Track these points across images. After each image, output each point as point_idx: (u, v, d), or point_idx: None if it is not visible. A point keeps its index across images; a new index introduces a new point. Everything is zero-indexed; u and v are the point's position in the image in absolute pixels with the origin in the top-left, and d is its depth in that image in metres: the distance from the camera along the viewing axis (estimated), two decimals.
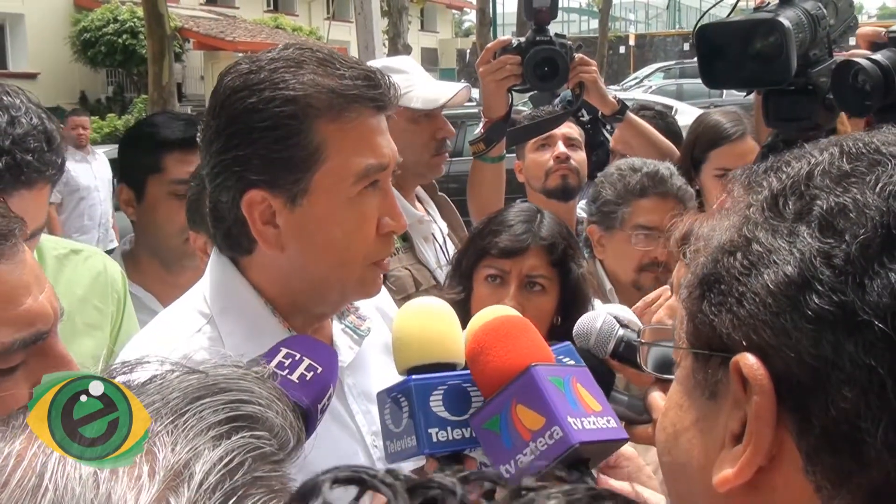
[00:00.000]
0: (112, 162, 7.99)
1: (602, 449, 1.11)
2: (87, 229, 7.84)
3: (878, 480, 0.64)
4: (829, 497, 0.66)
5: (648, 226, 2.51)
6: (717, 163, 3.02)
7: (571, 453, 1.01)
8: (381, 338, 1.59)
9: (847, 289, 0.64)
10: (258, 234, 1.36)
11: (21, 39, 25.89)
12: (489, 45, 2.72)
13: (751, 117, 3.12)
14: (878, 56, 1.68)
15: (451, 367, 1.15)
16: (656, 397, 1.34)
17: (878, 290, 0.63)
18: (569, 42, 2.69)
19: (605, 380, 1.34)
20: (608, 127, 3.62)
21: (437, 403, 1.11)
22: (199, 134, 1.41)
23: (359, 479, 0.41)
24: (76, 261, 2.00)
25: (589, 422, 1.05)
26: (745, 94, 2.50)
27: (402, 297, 2.27)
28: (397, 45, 15.97)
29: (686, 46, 40.26)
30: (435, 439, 1.10)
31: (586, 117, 3.59)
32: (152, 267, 2.43)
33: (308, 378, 1.11)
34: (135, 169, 2.44)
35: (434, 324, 1.18)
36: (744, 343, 0.68)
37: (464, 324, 1.20)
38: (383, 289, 1.56)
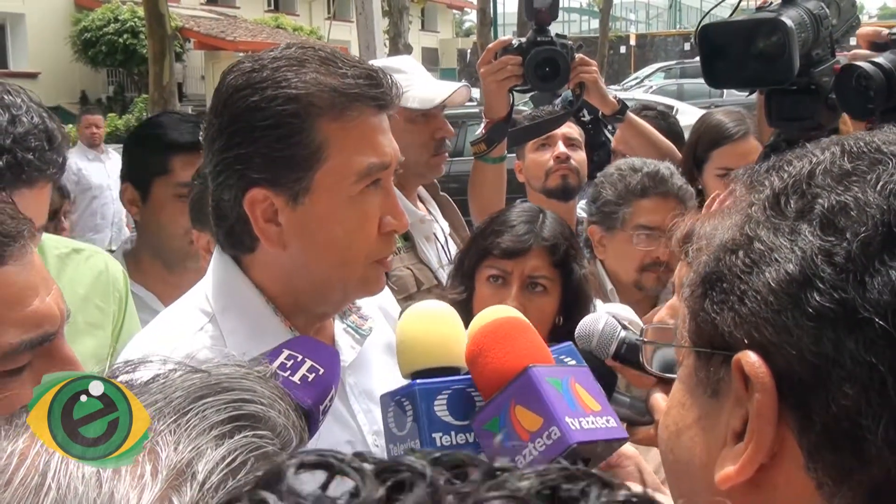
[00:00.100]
0: None
1: (602, 449, 1.11)
2: (100, 228, 7.83)
3: (878, 477, 0.64)
4: (831, 494, 0.66)
5: (649, 226, 2.51)
6: (720, 162, 3.02)
7: (570, 453, 1.01)
8: (383, 337, 1.59)
9: (848, 286, 0.64)
10: (260, 232, 1.36)
11: (22, 39, 25.90)
12: (490, 45, 2.72)
13: (754, 117, 3.12)
14: (880, 59, 1.68)
15: (455, 371, 1.16)
16: (658, 398, 1.34)
17: (878, 288, 0.63)
18: (570, 42, 2.69)
19: (606, 381, 1.34)
20: (609, 127, 3.62)
21: (441, 408, 1.11)
22: (201, 133, 1.41)
23: (325, 464, 0.40)
24: (78, 260, 2.00)
25: (588, 421, 1.06)
26: (747, 93, 2.50)
27: (403, 296, 2.27)
28: (398, 45, 15.96)
29: (687, 46, 40.27)
30: (439, 443, 1.10)
31: (587, 117, 3.59)
32: (154, 267, 2.42)
33: (310, 379, 1.11)
34: (140, 169, 2.42)
35: (438, 328, 1.19)
36: (745, 341, 0.68)
37: (466, 323, 1.20)
38: (386, 288, 1.56)
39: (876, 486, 0.64)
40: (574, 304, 2.08)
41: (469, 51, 40.80)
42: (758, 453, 0.68)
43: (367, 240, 1.38)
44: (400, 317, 1.30)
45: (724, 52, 1.69)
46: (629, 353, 1.47)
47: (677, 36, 44.48)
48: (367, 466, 0.39)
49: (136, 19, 23.74)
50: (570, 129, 3.05)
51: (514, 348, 1.10)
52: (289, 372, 1.11)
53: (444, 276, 2.46)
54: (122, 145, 2.86)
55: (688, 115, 7.87)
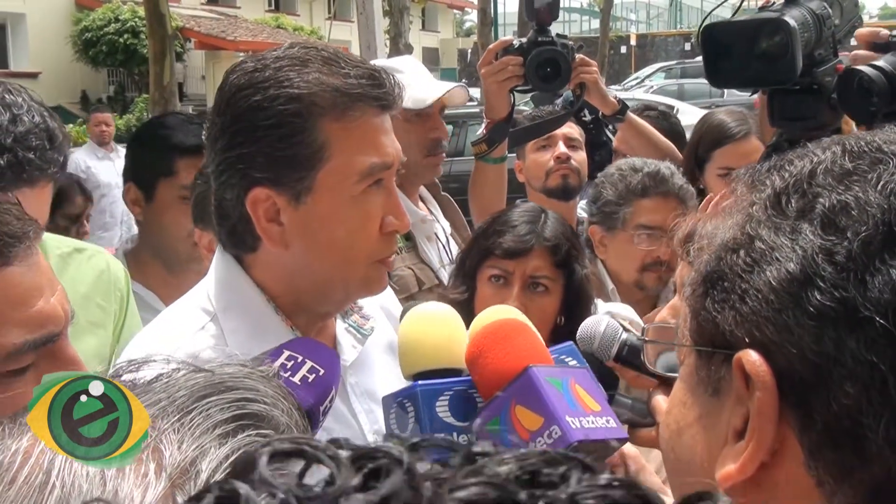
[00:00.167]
0: None
1: (602, 448, 1.11)
2: (108, 226, 7.81)
3: (879, 476, 0.64)
4: (831, 492, 0.66)
5: (650, 225, 2.51)
6: (721, 162, 3.02)
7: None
8: (384, 337, 1.59)
9: (849, 285, 0.64)
10: (262, 231, 1.36)
11: (22, 39, 25.91)
12: (491, 46, 2.71)
13: (755, 117, 3.12)
14: (881, 63, 1.68)
15: (456, 372, 1.16)
16: (659, 400, 1.34)
17: (879, 287, 0.63)
18: (570, 42, 2.69)
19: (608, 383, 1.35)
20: (611, 127, 3.62)
21: (442, 409, 1.11)
22: (204, 132, 1.41)
23: (300, 452, 0.39)
24: (79, 259, 2.00)
25: (588, 421, 1.06)
26: (749, 93, 2.49)
27: (404, 296, 2.27)
28: (398, 45, 15.96)
29: (687, 46, 40.27)
30: None
31: (588, 117, 3.59)
32: (155, 268, 2.42)
33: (310, 380, 1.12)
34: (145, 169, 2.41)
35: (440, 329, 1.19)
36: (746, 340, 0.68)
37: (467, 323, 1.21)
38: (388, 288, 1.57)
39: (877, 485, 0.65)
40: (575, 304, 2.08)
41: (469, 51, 40.81)
42: (759, 451, 0.68)
43: (368, 240, 1.38)
44: (401, 318, 1.31)
45: (726, 52, 1.69)
46: (630, 355, 1.47)
47: (678, 36, 44.49)
48: (343, 453, 0.38)
49: (136, 19, 23.75)
50: (571, 129, 3.05)
51: (513, 349, 1.11)
52: (289, 373, 1.11)
53: (445, 275, 2.46)
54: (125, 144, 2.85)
55: (688, 115, 7.88)
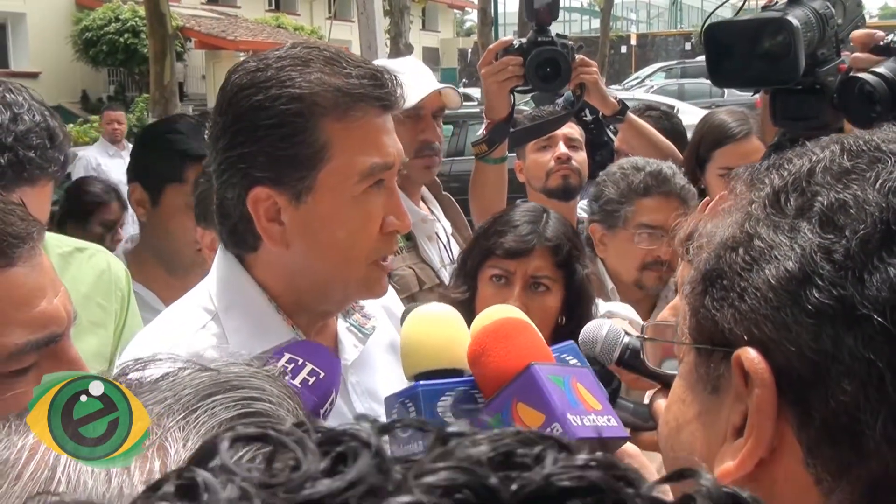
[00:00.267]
0: None
1: (603, 447, 1.11)
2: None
3: (877, 472, 0.65)
4: (829, 489, 0.67)
5: (652, 225, 2.51)
6: (722, 162, 3.02)
7: None
8: (386, 336, 1.59)
9: (847, 283, 0.64)
10: (263, 230, 1.36)
11: (23, 38, 25.91)
12: (491, 46, 2.71)
13: (756, 116, 3.12)
14: (882, 69, 1.68)
15: (458, 373, 1.16)
16: (661, 404, 1.34)
17: (877, 285, 0.64)
18: (570, 42, 2.69)
19: (610, 386, 1.35)
20: (612, 127, 3.61)
21: (444, 409, 1.11)
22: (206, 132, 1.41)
23: (263, 436, 0.38)
24: (80, 259, 2.00)
25: (589, 419, 1.07)
26: (752, 93, 2.49)
27: (405, 295, 2.27)
28: (399, 45, 15.96)
29: (688, 46, 40.30)
30: None
31: (589, 117, 3.59)
32: (156, 269, 2.41)
33: (310, 383, 1.12)
34: (153, 172, 2.37)
35: (442, 330, 1.20)
36: (745, 337, 0.69)
37: (468, 322, 1.21)
38: (389, 287, 1.57)
39: (874, 481, 0.65)
40: (577, 303, 2.08)
41: (470, 50, 40.83)
42: (757, 448, 0.68)
43: (369, 240, 1.38)
44: (403, 319, 1.31)
45: (729, 52, 1.69)
46: (632, 359, 1.47)
47: (678, 36, 44.52)
48: (310, 437, 0.37)
49: (136, 19, 23.74)
50: (571, 129, 3.05)
51: (515, 347, 1.11)
52: (289, 375, 1.12)
53: (446, 275, 2.46)
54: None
55: (689, 115, 7.87)
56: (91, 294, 1.98)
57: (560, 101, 3.45)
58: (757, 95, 2.78)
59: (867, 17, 1.97)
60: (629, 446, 1.36)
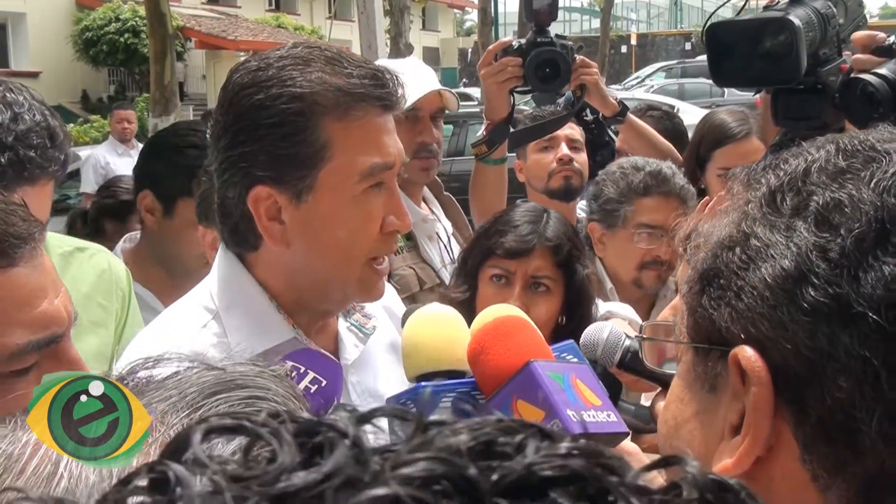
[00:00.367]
0: None
1: (603, 442, 1.11)
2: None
3: (872, 469, 0.65)
4: (826, 486, 0.67)
5: (651, 224, 2.51)
6: (722, 162, 3.02)
7: None
8: (386, 336, 1.59)
9: (842, 281, 0.65)
10: (264, 229, 1.36)
11: (23, 38, 25.92)
12: (490, 47, 2.71)
13: (757, 116, 3.12)
14: (884, 70, 1.68)
15: (460, 374, 1.16)
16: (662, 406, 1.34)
17: (872, 283, 0.64)
18: (570, 43, 2.69)
19: (611, 388, 1.35)
20: (613, 127, 3.61)
21: (445, 410, 1.11)
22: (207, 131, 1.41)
23: (238, 428, 0.37)
24: (81, 258, 1.99)
25: (589, 415, 1.07)
26: (753, 92, 2.48)
27: (406, 295, 2.27)
28: (399, 45, 15.97)
29: (688, 46, 40.30)
30: None
31: (590, 117, 3.59)
32: (156, 271, 2.40)
33: (312, 391, 1.12)
34: (166, 184, 2.32)
35: (444, 331, 1.20)
36: (742, 336, 0.69)
37: (468, 322, 1.21)
38: (390, 288, 1.57)
39: (870, 478, 0.65)
40: (577, 304, 2.08)
41: (470, 50, 40.84)
42: (754, 446, 0.69)
43: (369, 239, 1.38)
44: (404, 319, 1.31)
45: (730, 52, 1.69)
46: (634, 362, 1.47)
47: (678, 35, 44.54)
48: (286, 428, 0.36)
49: (137, 18, 23.76)
50: (573, 130, 3.05)
51: (515, 345, 1.12)
52: None
53: (446, 275, 2.46)
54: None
55: (689, 115, 7.87)
56: (92, 294, 1.98)
57: (561, 100, 3.45)
58: (757, 95, 2.78)
59: (868, 16, 1.97)
60: (628, 444, 1.36)
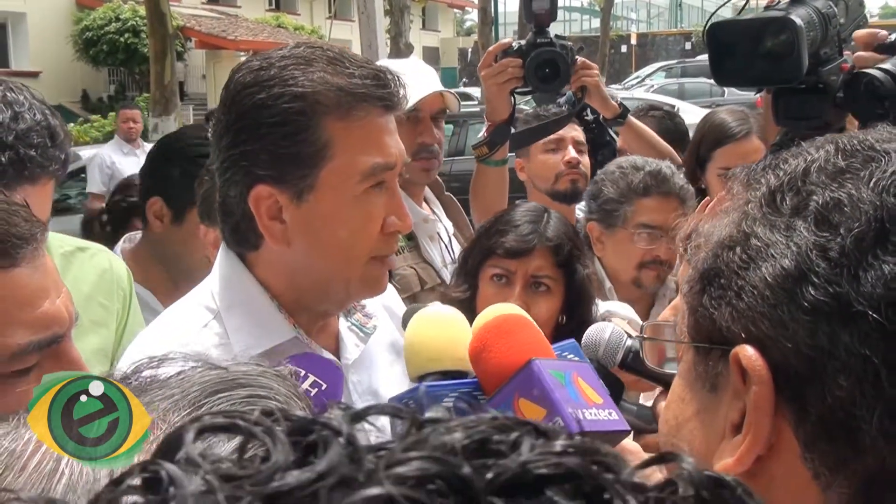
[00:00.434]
0: None
1: (604, 440, 1.11)
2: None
3: (873, 467, 0.65)
4: (827, 484, 0.67)
5: (652, 225, 2.51)
6: (722, 161, 3.02)
7: None
8: (387, 336, 1.59)
9: (842, 280, 0.65)
10: (264, 228, 1.36)
11: (23, 38, 25.92)
12: (490, 48, 2.71)
13: (757, 116, 3.12)
14: (888, 65, 1.67)
15: (462, 375, 1.16)
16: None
17: (871, 282, 0.64)
18: (569, 43, 2.69)
19: (613, 388, 1.35)
20: (614, 128, 3.62)
21: (444, 410, 1.11)
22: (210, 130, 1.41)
23: (231, 426, 0.36)
24: (82, 258, 1.99)
25: (590, 413, 1.07)
26: (754, 92, 2.48)
27: (407, 295, 2.27)
28: (399, 44, 15.97)
29: (688, 45, 40.30)
30: None
31: (590, 116, 3.59)
32: (157, 272, 2.39)
33: (312, 394, 1.12)
34: (178, 192, 2.29)
35: (446, 332, 1.20)
36: (743, 335, 0.69)
37: (469, 321, 1.21)
38: (391, 287, 1.57)
39: (870, 476, 0.66)
40: (577, 303, 2.08)
41: (470, 50, 40.86)
42: (755, 445, 0.69)
43: (370, 239, 1.39)
44: (405, 319, 1.31)
45: (732, 51, 1.68)
46: (635, 362, 1.47)
47: (678, 35, 44.55)
48: (279, 427, 0.35)
49: (137, 18, 23.76)
50: (577, 132, 3.06)
51: (516, 343, 1.12)
52: None
53: (447, 275, 2.46)
54: (146, 143, 2.74)
55: (689, 115, 7.87)
56: (93, 293, 1.98)
57: (562, 99, 3.45)
58: (758, 95, 2.78)
59: (868, 16, 1.97)
60: (630, 443, 1.37)
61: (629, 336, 1.51)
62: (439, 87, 2.56)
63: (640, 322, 2.10)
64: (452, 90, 2.71)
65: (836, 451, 0.66)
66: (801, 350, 0.66)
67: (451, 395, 1.13)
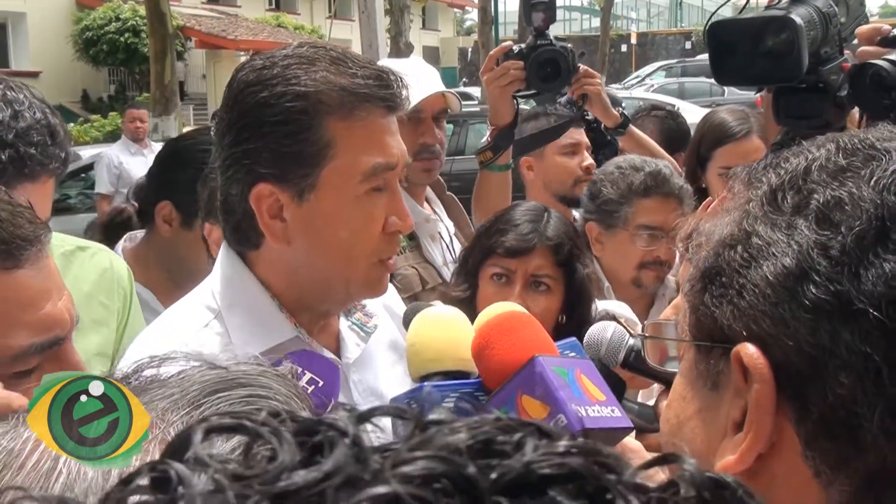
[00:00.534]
0: None
1: (607, 437, 1.12)
2: None
3: (874, 465, 0.65)
4: (828, 482, 0.67)
5: (651, 225, 2.51)
6: (722, 161, 3.02)
7: None
8: (387, 335, 1.60)
9: (843, 279, 0.65)
10: (265, 227, 1.36)
11: (23, 38, 25.92)
12: (491, 52, 2.72)
13: (757, 115, 3.12)
14: (894, 56, 1.67)
15: (465, 375, 1.16)
16: None
17: (872, 280, 0.65)
18: (569, 45, 2.70)
19: (615, 388, 1.36)
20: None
21: (447, 410, 1.11)
22: (212, 129, 1.42)
23: (238, 427, 0.36)
24: (83, 257, 1.99)
25: (593, 410, 1.07)
26: (754, 91, 2.48)
27: (408, 295, 2.28)
28: (399, 44, 15.97)
29: (688, 45, 40.30)
30: None
31: (591, 116, 3.60)
32: (158, 272, 2.39)
33: (309, 391, 1.12)
34: (189, 198, 2.26)
35: (448, 332, 1.20)
36: (744, 333, 0.70)
37: (469, 321, 1.21)
38: (391, 287, 1.57)
39: (872, 474, 0.66)
40: (577, 303, 2.08)
41: (470, 49, 40.86)
42: (757, 443, 0.69)
43: (371, 239, 1.38)
44: (406, 319, 1.31)
45: (732, 50, 1.68)
46: (637, 361, 1.47)
47: (678, 34, 44.55)
48: (286, 427, 0.36)
49: (137, 18, 23.77)
50: (584, 136, 3.08)
51: (519, 340, 1.12)
52: None
53: (448, 274, 2.46)
54: (153, 142, 2.71)
55: (689, 114, 7.88)
56: (93, 293, 1.98)
57: (563, 100, 3.46)
58: (758, 94, 2.78)
59: (868, 15, 1.97)
60: (632, 442, 1.37)
61: (630, 335, 1.52)
62: (441, 87, 2.56)
63: (638, 322, 2.10)
64: (452, 90, 2.71)
65: (838, 449, 0.66)
66: (802, 348, 0.66)
67: (452, 396, 1.13)
